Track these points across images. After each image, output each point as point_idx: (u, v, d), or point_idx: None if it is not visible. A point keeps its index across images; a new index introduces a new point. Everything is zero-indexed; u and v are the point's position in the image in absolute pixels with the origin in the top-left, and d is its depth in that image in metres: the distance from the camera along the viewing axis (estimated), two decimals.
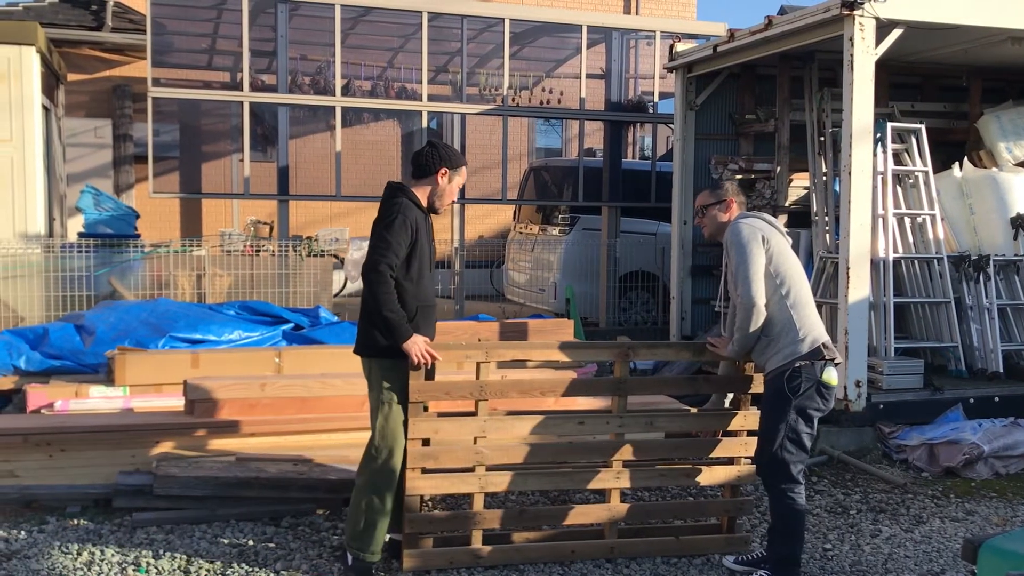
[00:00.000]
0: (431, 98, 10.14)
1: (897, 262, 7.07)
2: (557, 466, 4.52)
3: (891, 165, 7.06)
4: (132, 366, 5.95)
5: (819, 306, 5.06)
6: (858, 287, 6.18)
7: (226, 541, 4.50)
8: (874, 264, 6.74)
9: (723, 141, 8.95)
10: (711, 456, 4.51)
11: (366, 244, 4.10)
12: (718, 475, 4.54)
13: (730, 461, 4.54)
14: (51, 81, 10.40)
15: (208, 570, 4.19)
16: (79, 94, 12.78)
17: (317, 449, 5.16)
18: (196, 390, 5.26)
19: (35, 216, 8.79)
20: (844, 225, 6.25)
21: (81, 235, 8.61)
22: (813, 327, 4.10)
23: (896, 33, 6.28)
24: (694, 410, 4.78)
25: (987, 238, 7.45)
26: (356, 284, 11.29)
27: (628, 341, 5.96)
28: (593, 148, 13.09)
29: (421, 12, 9.64)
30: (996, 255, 7.24)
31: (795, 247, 4.45)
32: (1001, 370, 6.93)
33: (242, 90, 9.30)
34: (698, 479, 4.53)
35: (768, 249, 4.12)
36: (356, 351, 4.15)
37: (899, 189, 7.26)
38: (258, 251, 9.05)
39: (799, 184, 8.42)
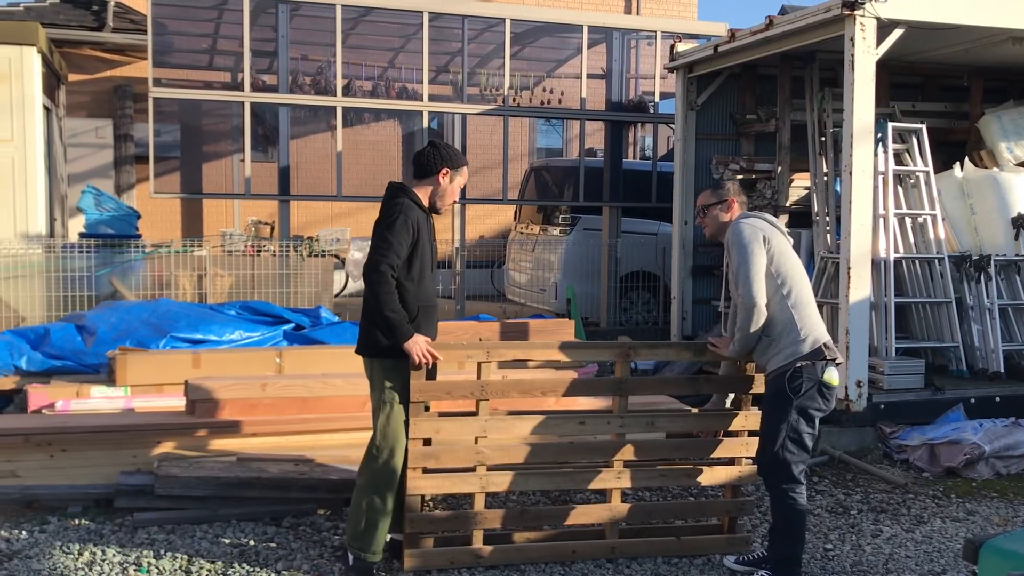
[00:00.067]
0: (432, 98, 10.15)
1: (898, 262, 7.07)
2: (558, 466, 4.52)
3: (892, 165, 7.06)
4: (133, 366, 5.96)
5: (820, 306, 5.06)
6: (859, 287, 6.18)
7: (227, 541, 4.50)
8: (875, 264, 6.74)
9: (724, 141, 8.95)
10: (712, 456, 4.51)
11: (367, 244, 4.10)
12: (719, 475, 4.54)
13: (731, 461, 4.54)
14: (52, 81, 10.41)
15: (209, 570, 4.19)
16: (80, 94, 12.80)
17: (318, 449, 5.16)
18: (197, 390, 5.27)
19: (36, 216, 8.79)
20: (845, 225, 6.25)
21: (82, 235, 8.61)
22: (814, 327, 4.10)
23: (897, 33, 6.28)
24: (695, 410, 4.78)
25: (988, 238, 7.46)
26: (357, 284, 11.30)
27: (629, 341, 5.95)
28: (594, 148, 13.10)
29: (422, 12, 9.64)
30: (997, 255, 7.24)
31: (796, 247, 4.44)
32: (1002, 370, 6.93)
33: (243, 90, 9.30)
34: (699, 479, 4.53)
35: (769, 249, 4.12)
36: (358, 351, 4.15)
37: (900, 189, 7.26)
38: (259, 251, 9.05)
39: (800, 184, 8.42)
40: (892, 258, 6.93)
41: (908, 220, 7.22)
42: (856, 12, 6.08)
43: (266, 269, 8.55)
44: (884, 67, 7.13)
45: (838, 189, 7.10)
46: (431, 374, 4.16)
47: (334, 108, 9.66)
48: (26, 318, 7.74)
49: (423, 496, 4.29)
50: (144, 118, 9.99)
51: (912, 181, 7.31)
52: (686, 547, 4.52)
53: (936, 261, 7.11)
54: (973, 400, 6.56)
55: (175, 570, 4.18)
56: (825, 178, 7.80)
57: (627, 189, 10.54)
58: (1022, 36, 6.92)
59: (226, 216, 13.55)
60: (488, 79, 11.11)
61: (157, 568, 4.18)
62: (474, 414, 4.23)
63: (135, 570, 4.16)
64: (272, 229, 11.31)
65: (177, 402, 5.60)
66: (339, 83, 9.64)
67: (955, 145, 8.45)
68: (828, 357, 4.05)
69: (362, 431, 4.59)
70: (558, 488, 4.86)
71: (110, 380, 6.04)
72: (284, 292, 8.45)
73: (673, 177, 8.78)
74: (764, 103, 8.72)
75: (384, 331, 3.97)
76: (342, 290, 11.78)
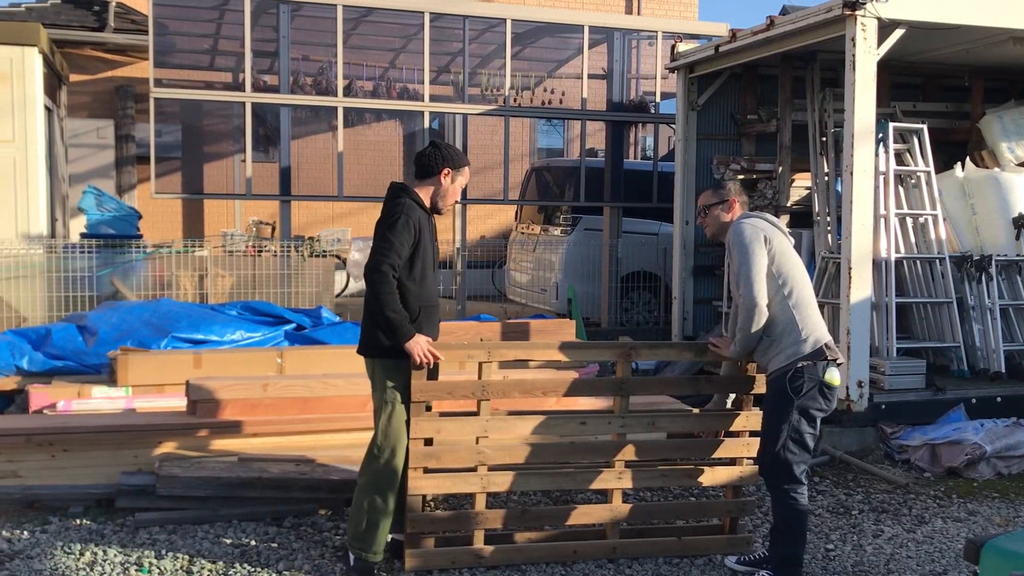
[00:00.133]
0: (433, 98, 10.14)
1: (899, 262, 7.07)
2: (559, 466, 4.52)
3: (893, 165, 7.06)
4: (134, 366, 5.96)
5: (821, 306, 5.05)
6: (860, 287, 6.18)
7: (228, 541, 4.51)
8: (876, 264, 6.74)
9: (725, 141, 8.95)
10: (713, 456, 4.51)
11: (368, 245, 4.11)
12: (720, 476, 4.54)
13: (732, 462, 4.54)
14: (53, 82, 10.41)
15: (210, 570, 4.20)
16: (81, 95, 12.80)
17: (319, 449, 5.16)
18: (198, 390, 5.27)
19: (37, 217, 8.79)
20: (846, 225, 6.25)
21: (83, 236, 8.61)
22: (815, 327, 4.10)
23: (898, 33, 6.28)
24: (696, 410, 4.78)
25: (989, 238, 7.46)
26: (358, 284, 11.30)
27: (630, 341, 5.96)
28: (595, 148, 13.10)
29: (423, 12, 9.64)
30: (998, 255, 7.24)
31: (797, 247, 4.45)
32: (1003, 370, 6.93)
33: (244, 90, 9.30)
34: (700, 479, 4.53)
35: (770, 249, 4.12)
36: (359, 351, 4.15)
37: (901, 189, 7.26)
38: (260, 251, 9.06)
39: (801, 184, 8.42)
40: (893, 258, 6.93)
41: (909, 220, 7.22)
42: (857, 12, 6.08)
43: (267, 269, 8.55)
44: (885, 67, 7.13)
45: (839, 189, 7.10)
46: (432, 374, 4.16)
47: (335, 108, 9.66)
48: (27, 318, 7.74)
49: (424, 496, 4.29)
50: (145, 118, 9.99)
51: (913, 181, 7.31)
52: (687, 547, 4.52)
53: (937, 261, 7.11)
54: (974, 400, 6.56)
55: (176, 570, 4.18)
56: (826, 178, 7.80)
57: (628, 189, 10.53)
58: (1023, 36, 6.92)
59: (227, 216, 13.55)
60: (489, 79, 11.10)
61: (158, 568, 4.18)
62: (475, 414, 4.23)
63: (136, 570, 4.16)
64: (273, 229, 11.31)
65: (178, 402, 5.60)
66: (340, 83, 9.64)
67: (956, 145, 8.45)
68: (829, 357, 4.05)
69: (363, 431, 4.59)
70: (559, 488, 4.86)
71: (111, 380, 6.04)
72: (285, 292, 8.45)
73: (674, 177, 8.78)
74: (765, 103, 8.72)
75: (385, 331, 3.97)
76: (343, 290, 11.78)
